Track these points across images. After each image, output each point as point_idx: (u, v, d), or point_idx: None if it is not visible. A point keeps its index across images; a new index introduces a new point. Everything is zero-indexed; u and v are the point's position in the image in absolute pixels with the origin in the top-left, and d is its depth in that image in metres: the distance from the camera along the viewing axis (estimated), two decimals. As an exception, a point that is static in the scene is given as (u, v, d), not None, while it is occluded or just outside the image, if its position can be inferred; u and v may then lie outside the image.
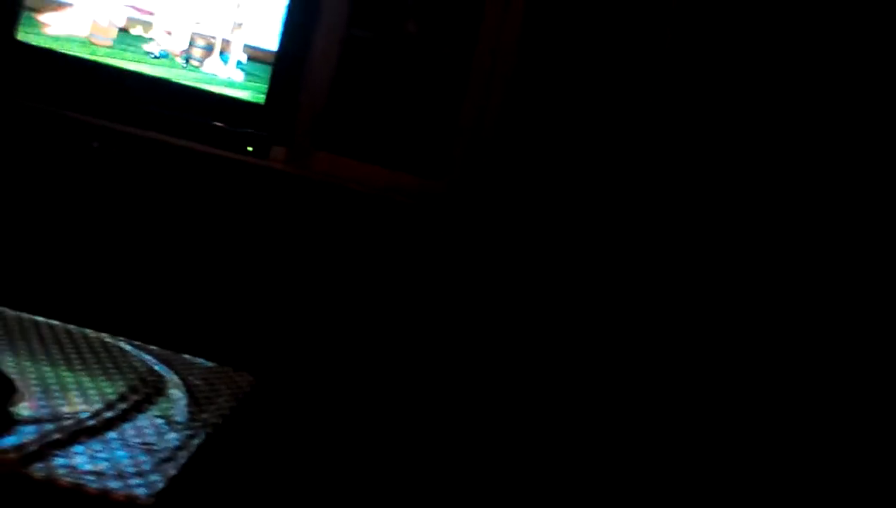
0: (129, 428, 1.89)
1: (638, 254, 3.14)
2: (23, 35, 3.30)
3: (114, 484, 1.65)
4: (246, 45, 3.34)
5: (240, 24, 3.34)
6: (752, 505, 2.94)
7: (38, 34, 3.30)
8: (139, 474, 1.71)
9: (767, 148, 3.10)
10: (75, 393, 1.98)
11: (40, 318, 2.38)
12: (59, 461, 1.68)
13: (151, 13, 3.32)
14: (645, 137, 3.15)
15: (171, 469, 1.77)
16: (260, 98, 3.34)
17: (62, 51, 3.30)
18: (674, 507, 2.91)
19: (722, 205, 3.11)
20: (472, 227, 3.20)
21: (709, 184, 3.11)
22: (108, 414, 1.91)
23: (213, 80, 3.34)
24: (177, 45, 3.32)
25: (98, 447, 1.77)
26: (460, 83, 3.35)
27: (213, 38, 3.33)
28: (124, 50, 3.33)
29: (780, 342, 3.07)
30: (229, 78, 3.34)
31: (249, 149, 3.30)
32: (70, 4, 3.31)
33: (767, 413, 3.04)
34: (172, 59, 3.32)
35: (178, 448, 1.86)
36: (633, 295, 3.14)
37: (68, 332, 2.33)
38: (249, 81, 3.35)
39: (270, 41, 3.34)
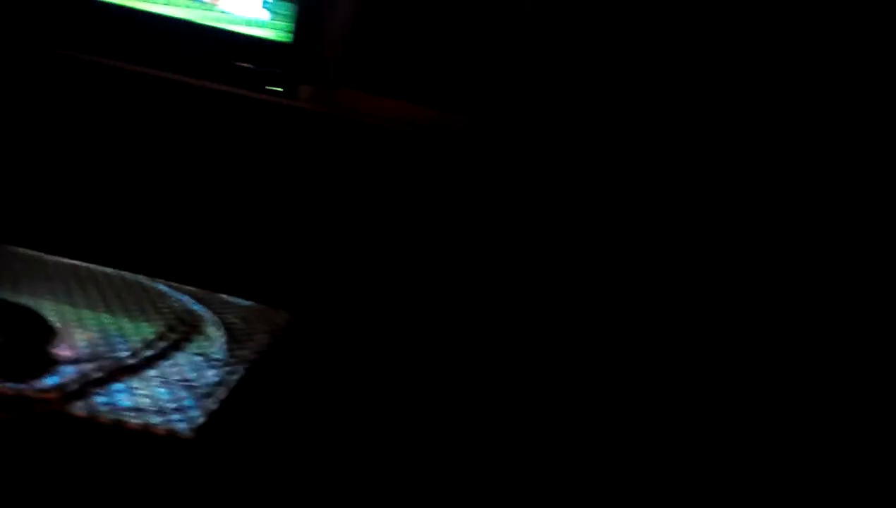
0: (168, 366, 1.90)
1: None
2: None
3: (154, 419, 1.67)
4: (270, -17, 3.29)
5: (263, -38, 3.29)
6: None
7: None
8: (179, 409, 1.73)
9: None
10: (115, 334, 2.00)
11: (78, 262, 2.40)
12: (99, 398, 1.69)
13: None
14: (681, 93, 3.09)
15: (211, 405, 1.78)
16: (287, 37, 3.31)
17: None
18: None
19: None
20: (501, 164, 3.16)
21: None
22: (147, 353, 1.93)
23: (238, 19, 3.31)
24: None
25: (138, 384, 1.79)
26: (489, 18, 3.29)
27: (237, -24, 3.29)
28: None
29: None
30: (255, 17, 3.31)
31: (278, 88, 3.28)
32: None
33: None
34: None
35: (217, 383, 1.87)
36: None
37: (106, 275, 2.35)
38: (275, 20, 3.31)
39: (295, -22, 3.29)
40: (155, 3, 3.28)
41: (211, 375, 1.91)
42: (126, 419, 1.65)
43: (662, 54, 3.09)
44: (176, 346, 2.01)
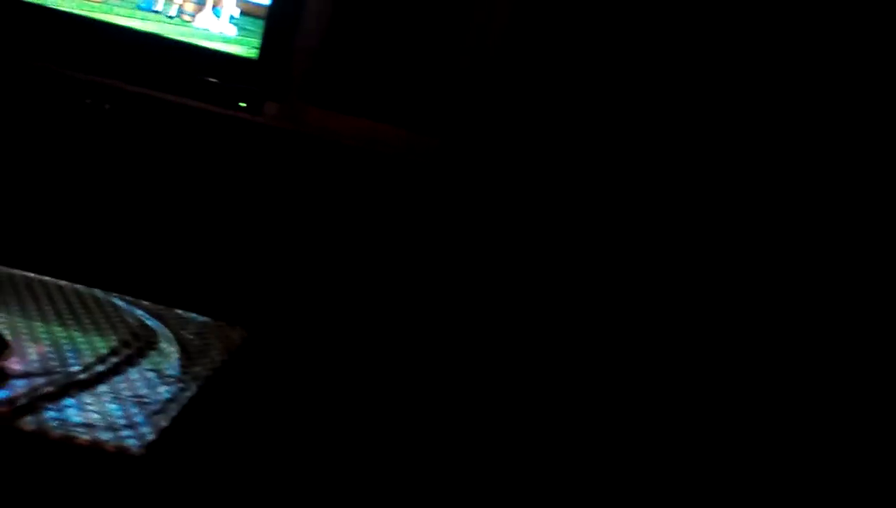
0: (120, 381, 1.89)
1: (640, 227, 3.13)
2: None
3: (105, 436, 1.66)
4: (238, -1, 3.31)
5: (231, -22, 3.30)
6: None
7: (28, -11, 3.27)
8: (130, 426, 1.72)
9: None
10: (67, 348, 1.98)
11: (32, 274, 2.37)
12: (49, 413, 1.68)
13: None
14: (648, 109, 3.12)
15: (163, 422, 1.77)
16: (253, 53, 3.31)
17: (53, 6, 3.27)
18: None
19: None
20: (464, 185, 3.18)
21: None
22: (100, 368, 1.91)
23: (205, 35, 3.31)
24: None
25: (89, 399, 1.77)
26: (456, 39, 3.31)
27: (205, -9, 3.29)
28: (116, 5, 3.29)
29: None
30: (222, 33, 3.31)
31: (242, 104, 3.28)
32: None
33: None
34: (164, 14, 3.29)
35: (170, 400, 1.86)
36: (632, 262, 3.13)
37: (60, 288, 2.33)
38: (242, 36, 3.32)
39: (263, -5, 3.30)
40: (130, 17, 3.28)
41: (163, 391, 1.90)
42: (76, 434, 1.64)
43: (632, 77, 3.11)
44: (129, 362, 1.99)
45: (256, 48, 3.31)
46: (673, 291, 3.11)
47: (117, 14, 3.29)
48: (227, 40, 3.32)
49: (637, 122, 3.11)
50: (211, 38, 3.31)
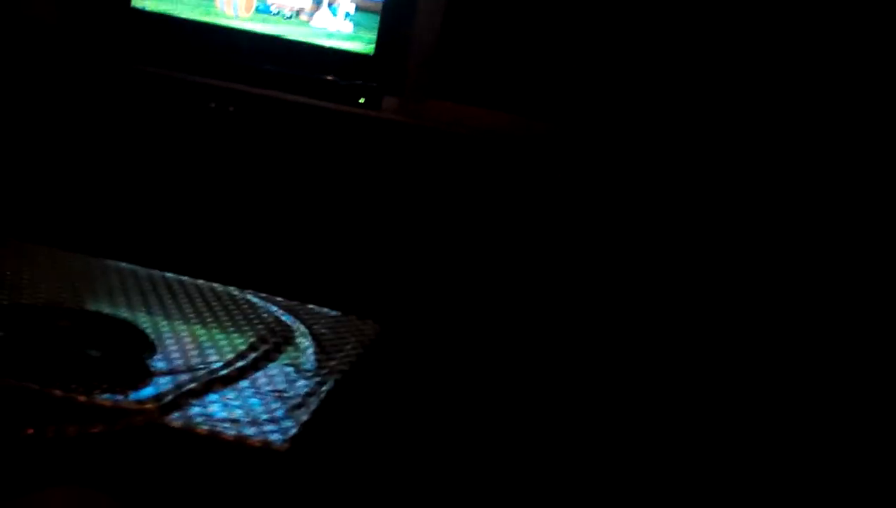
0: (260, 377, 1.91)
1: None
2: (137, 2, 3.37)
3: (249, 431, 1.67)
4: (353, -4, 3.32)
5: (346, -25, 3.32)
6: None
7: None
8: (273, 420, 1.73)
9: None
10: (207, 345, 2.02)
11: (170, 275, 2.43)
12: (195, 409, 1.71)
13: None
14: None
15: (303, 415, 1.78)
16: (370, 48, 3.32)
17: (175, 14, 3.35)
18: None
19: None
20: (578, 170, 3.13)
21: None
22: (240, 364, 1.94)
23: (322, 33, 3.34)
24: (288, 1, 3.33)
25: (231, 395, 1.80)
26: (572, 29, 3.25)
27: (321, -10, 3.32)
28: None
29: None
30: (338, 30, 3.33)
31: (361, 100, 3.29)
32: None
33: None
34: (283, 15, 3.33)
35: (309, 394, 1.87)
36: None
37: (197, 287, 2.38)
38: (359, 32, 3.33)
39: (378, -10, 3.30)
40: (250, 20, 3.34)
41: (302, 386, 1.91)
42: (221, 430, 1.66)
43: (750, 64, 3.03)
44: (267, 357, 2.01)
45: (373, 43, 3.31)
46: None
47: (238, 18, 3.35)
48: (343, 37, 3.34)
49: (754, 122, 3.03)
50: (328, 35, 3.33)
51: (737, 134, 3.07)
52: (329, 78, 3.31)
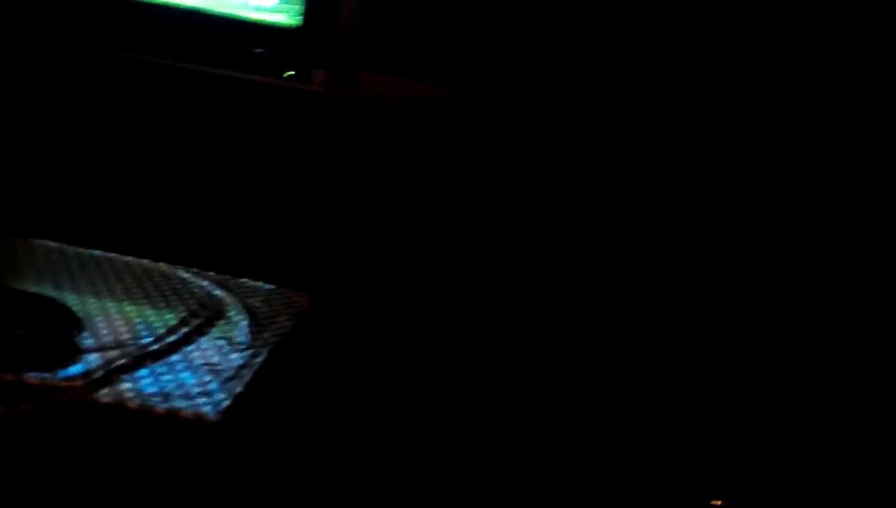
0: (192, 351, 1.90)
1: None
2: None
3: (180, 404, 1.67)
4: (278, -33, 3.27)
5: (270, -55, 3.27)
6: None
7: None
8: (205, 393, 1.73)
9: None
10: (137, 321, 2.00)
11: (98, 252, 2.40)
12: (125, 385, 1.70)
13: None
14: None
15: (237, 387, 1.78)
16: (298, 20, 3.29)
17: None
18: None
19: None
20: (509, 139, 3.14)
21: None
22: (171, 338, 1.93)
23: (247, 6, 3.30)
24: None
25: (163, 369, 1.79)
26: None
27: (245, -39, 3.27)
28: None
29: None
30: (260, 4, 3.29)
31: (290, 73, 3.26)
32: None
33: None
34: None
35: (242, 366, 1.87)
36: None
37: (126, 264, 2.35)
38: (284, 4, 3.29)
39: (302, -40, 3.26)
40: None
41: (235, 358, 1.91)
42: (152, 404, 1.65)
43: (676, 36, 3.05)
44: (199, 331, 2.01)
45: (300, 15, 3.28)
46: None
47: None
48: (269, 10, 3.29)
49: (678, 98, 3.05)
50: (256, 9, 3.29)
51: (663, 90, 3.08)
52: (257, 51, 3.27)
